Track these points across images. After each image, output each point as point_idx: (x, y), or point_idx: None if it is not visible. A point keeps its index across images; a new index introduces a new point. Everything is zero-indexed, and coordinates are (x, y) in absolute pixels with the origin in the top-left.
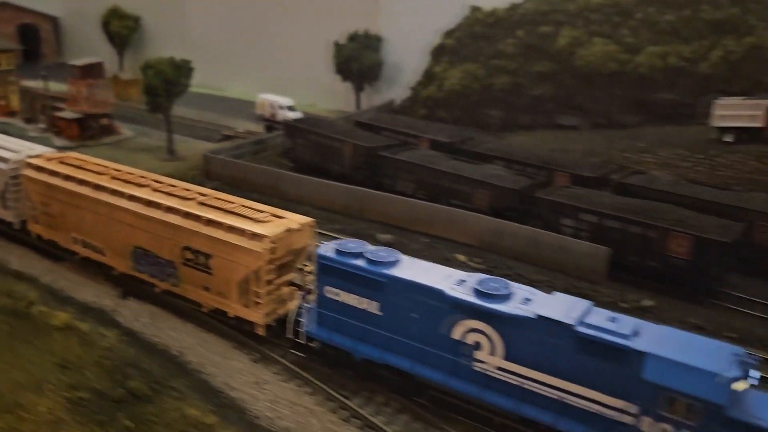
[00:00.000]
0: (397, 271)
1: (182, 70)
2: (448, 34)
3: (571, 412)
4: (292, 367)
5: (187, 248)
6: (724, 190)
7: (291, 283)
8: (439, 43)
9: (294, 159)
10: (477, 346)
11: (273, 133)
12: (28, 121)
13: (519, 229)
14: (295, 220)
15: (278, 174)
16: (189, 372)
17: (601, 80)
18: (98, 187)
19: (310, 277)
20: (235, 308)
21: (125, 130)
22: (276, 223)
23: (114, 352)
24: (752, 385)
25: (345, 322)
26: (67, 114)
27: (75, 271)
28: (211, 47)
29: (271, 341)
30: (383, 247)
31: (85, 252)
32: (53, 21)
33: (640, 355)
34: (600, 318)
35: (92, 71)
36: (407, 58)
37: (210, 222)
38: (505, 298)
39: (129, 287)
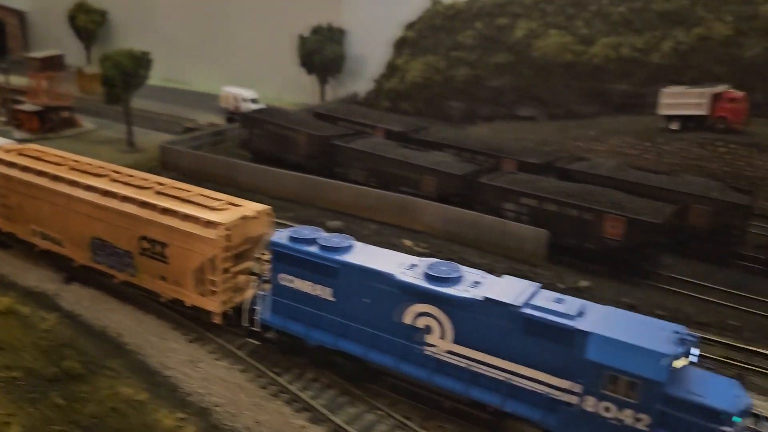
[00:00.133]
0: (349, 257)
1: (140, 61)
2: (410, 26)
3: (519, 393)
4: (227, 345)
5: (144, 238)
6: (663, 175)
7: (250, 272)
8: (401, 35)
9: (251, 149)
10: (427, 330)
11: (232, 125)
12: None
13: (463, 213)
14: (251, 207)
15: (233, 164)
16: (126, 352)
17: (557, 71)
18: (56, 178)
19: (268, 266)
20: (191, 297)
21: (87, 123)
22: (231, 211)
23: (52, 334)
24: (692, 363)
25: (299, 309)
26: (27, 107)
27: (21, 257)
28: (177, 41)
29: (222, 328)
30: (337, 234)
31: (44, 244)
32: (20, 16)
33: (583, 335)
34: (546, 300)
35: (52, 64)
36: (371, 51)
37: (165, 211)
38: (454, 281)
39: (73, 272)
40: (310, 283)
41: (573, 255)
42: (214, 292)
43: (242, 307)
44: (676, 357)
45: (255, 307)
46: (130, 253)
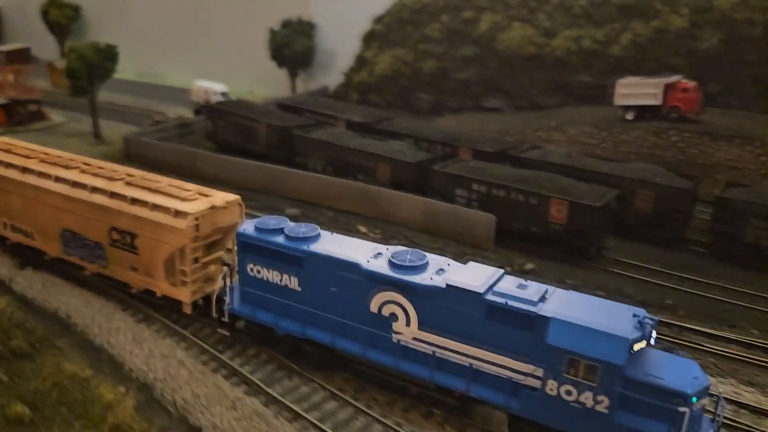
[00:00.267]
0: (315, 246)
1: (106, 54)
2: (378, 20)
3: (483, 378)
4: (171, 324)
5: (114, 229)
6: (612, 162)
7: (221, 263)
8: (370, 29)
9: (216, 141)
10: (393, 317)
11: (198, 117)
12: None
13: (415, 200)
14: (221, 197)
15: (195, 154)
16: (73, 332)
17: (521, 63)
18: (25, 170)
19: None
20: (162, 287)
21: (56, 116)
22: (201, 201)
23: (2, 316)
24: (651, 345)
25: (267, 298)
26: None
27: None
28: (151, 36)
29: (168, 309)
30: (303, 223)
31: (15, 237)
32: None
33: (545, 320)
34: (509, 285)
35: (18, 57)
36: (341, 44)
37: (135, 201)
38: (419, 269)
39: (26, 258)
40: (277, 272)
41: (520, 238)
42: (184, 282)
43: (211, 296)
44: (636, 340)
45: (224, 298)
46: (101, 244)
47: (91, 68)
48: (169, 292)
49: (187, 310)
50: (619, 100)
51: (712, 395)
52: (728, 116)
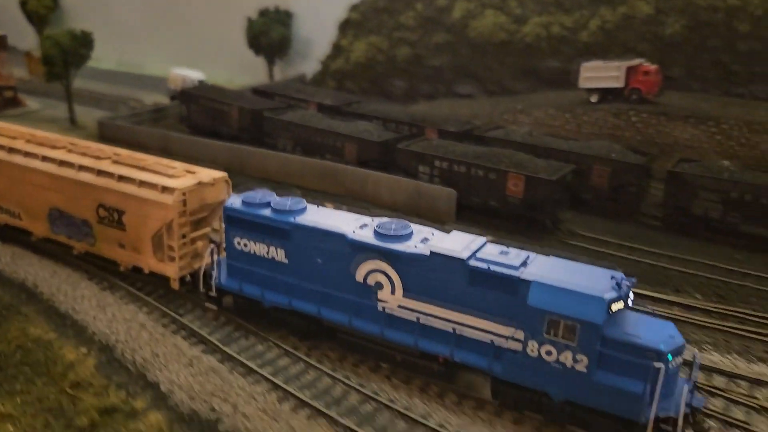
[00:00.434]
0: (301, 219)
1: (81, 41)
2: (354, 8)
3: (467, 343)
4: (135, 291)
5: (101, 206)
6: (570, 140)
7: (208, 239)
8: (346, 17)
9: (190, 124)
10: (379, 286)
11: (172, 103)
12: None
13: (380, 177)
14: (207, 174)
15: (166, 135)
16: (39, 300)
17: (492, 50)
18: (11, 151)
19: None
20: (149, 263)
21: (32, 103)
22: (188, 177)
23: None
24: (628, 306)
25: (254, 271)
26: None
27: None
28: (131, 26)
29: (133, 276)
30: (289, 197)
31: (2, 218)
32: None
33: (526, 283)
34: (491, 252)
35: None
36: (317, 33)
37: (122, 178)
38: (404, 238)
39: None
40: (263, 245)
41: (480, 213)
42: (172, 258)
43: (199, 271)
44: (613, 300)
45: (212, 272)
46: (88, 222)
47: (67, 54)
48: (157, 268)
49: (175, 285)
50: (583, 83)
51: (688, 364)
52: (687, 98)
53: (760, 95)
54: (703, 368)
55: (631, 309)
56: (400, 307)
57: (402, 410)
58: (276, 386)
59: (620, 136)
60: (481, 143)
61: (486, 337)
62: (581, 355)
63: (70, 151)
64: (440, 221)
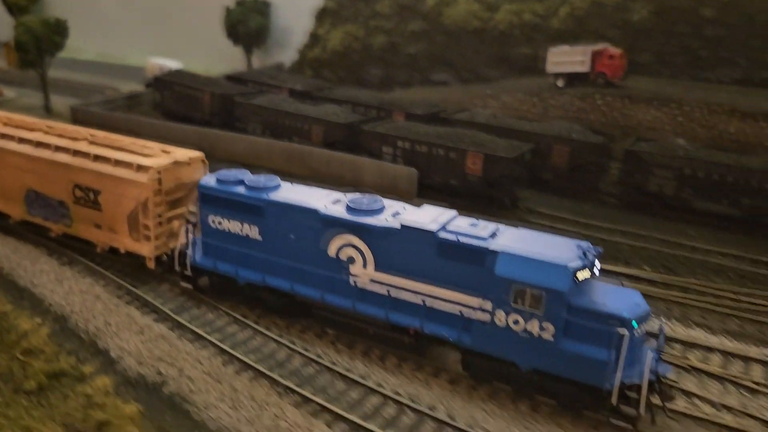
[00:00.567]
0: (275, 195)
1: (55, 28)
2: None
3: (437, 315)
4: (94, 266)
5: (77, 186)
6: (532, 122)
7: (184, 219)
8: (322, 6)
9: (163, 111)
10: (351, 260)
11: (147, 90)
12: None
13: (344, 157)
14: (183, 154)
15: (137, 121)
16: None
17: (466, 37)
18: None
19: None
20: (125, 243)
21: (9, 92)
22: (163, 157)
23: None
24: (594, 275)
25: (229, 249)
26: None
27: None
28: (113, 17)
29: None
30: (264, 174)
31: None
32: None
33: (494, 253)
34: (461, 224)
35: None
36: (295, 22)
37: (98, 158)
38: (375, 212)
39: None
40: (238, 223)
41: (441, 191)
42: (147, 237)
43: (174, 250)
44: (578, 268)
45: (187, 251)
46: (64, 203)
47: (40, 41)
48: (133, 248)
49: (151, 265)
50: (551, 68)
51: (654, 335)
52: (653, 83)
53: (725, 80)
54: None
55: (599, 279)
56: (371, 281)
57: (342, 371)
58: (222, 351)
59: (585, 119)
60: (447, 125)
61: (455, 309)
62: (548, 324)
63: (47, 133)
64: (401, 199)
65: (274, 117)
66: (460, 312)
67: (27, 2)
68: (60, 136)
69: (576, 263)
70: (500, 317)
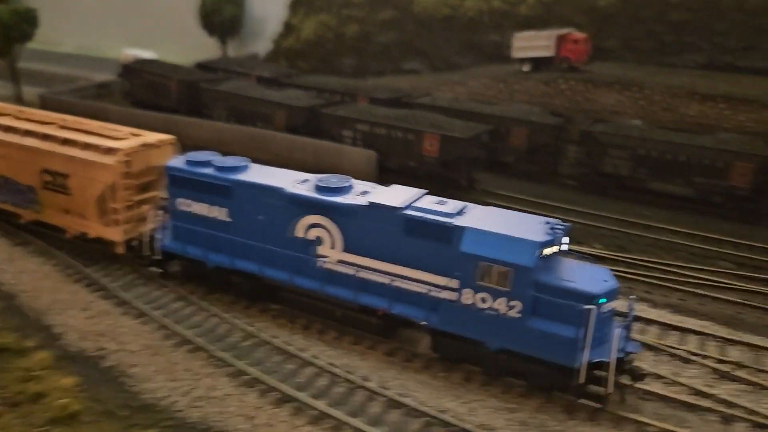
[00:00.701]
0: (243, 176)
1: (23, 16)
2: None
3: (405, 295)
4: (47, 246)
5: (46, 171)
6: (493, 105)
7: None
8: None
9: (132, 99)
10: (318, 241)
11: (117, 79)
12: None
13: (305, 141)
14: (153, 137)
15: (104, 108)
16: None
17: (437, 25)
18: None
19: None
20: (94, 228)
21: None
22: (133, 140)
23: None
24: (562, 251)
25: (198, 232)
26: None
27: None
28: (90, 11)
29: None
30: (233, 156)
31: None
32: None
33: (460, 230)
34: (428, 202)
35: None
36: (269, 11)
37: (66, 141)
38: (342, 191)
39: None
40: (206, 205)
41: (399, 173)
42: (116, 222)
43: (143, 235)
44: (545, 244)
45: (156, 236)
46: (33, 188)
47: (8, 29)
48: (102, 233)
49: (120, 249)
50: (516, 54)
51: (623, 315)
52: (617, 67)
53: (690, 64)
54: None
55: (567, 255)
56: (340, 262)
57: (281, 345)
58: (163, 326)
59: (550, 103)
60: (411, 108)
61: (423, 288)
62: (515, 301)
63: (17, 118)
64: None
65: (238, 103)
66: (428, 292)
67: None
68: (30, 120)
69: (542, 239)
70: (467, 296)
